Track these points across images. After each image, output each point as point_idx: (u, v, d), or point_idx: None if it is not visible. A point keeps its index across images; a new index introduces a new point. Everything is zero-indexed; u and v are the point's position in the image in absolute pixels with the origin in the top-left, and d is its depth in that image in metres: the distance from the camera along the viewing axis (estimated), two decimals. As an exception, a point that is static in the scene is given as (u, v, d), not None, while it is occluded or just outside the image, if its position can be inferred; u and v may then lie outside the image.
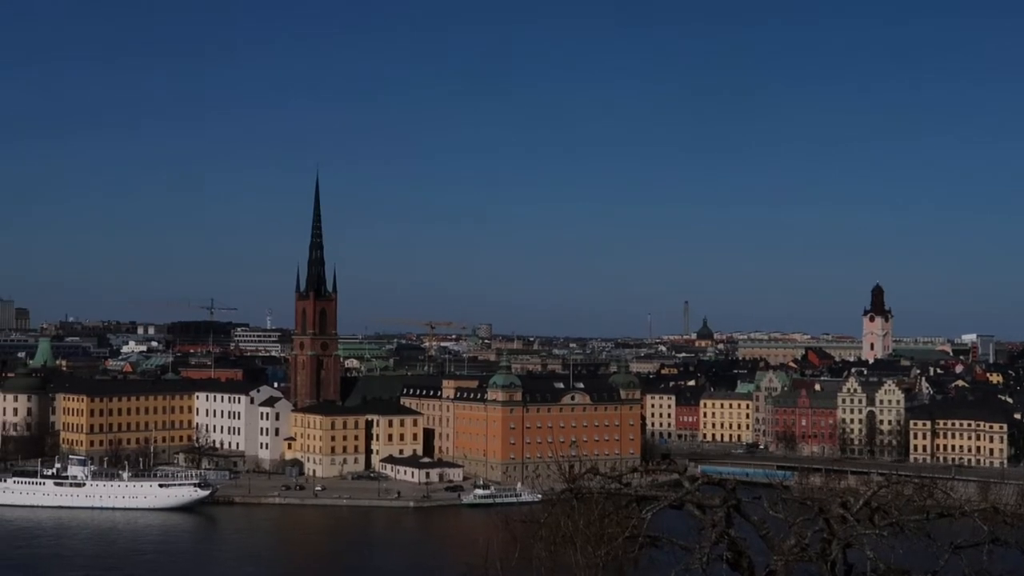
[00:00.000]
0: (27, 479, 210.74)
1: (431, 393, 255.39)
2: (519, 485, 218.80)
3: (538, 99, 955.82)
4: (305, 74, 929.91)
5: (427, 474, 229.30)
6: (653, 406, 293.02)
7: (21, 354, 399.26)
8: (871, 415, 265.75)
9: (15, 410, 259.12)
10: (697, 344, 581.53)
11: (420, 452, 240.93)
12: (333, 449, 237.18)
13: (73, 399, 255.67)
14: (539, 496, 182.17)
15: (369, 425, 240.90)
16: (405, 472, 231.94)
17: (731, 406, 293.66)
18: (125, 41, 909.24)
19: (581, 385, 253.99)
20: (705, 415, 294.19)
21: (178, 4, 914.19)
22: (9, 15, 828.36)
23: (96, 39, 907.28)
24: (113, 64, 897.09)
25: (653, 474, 31.25)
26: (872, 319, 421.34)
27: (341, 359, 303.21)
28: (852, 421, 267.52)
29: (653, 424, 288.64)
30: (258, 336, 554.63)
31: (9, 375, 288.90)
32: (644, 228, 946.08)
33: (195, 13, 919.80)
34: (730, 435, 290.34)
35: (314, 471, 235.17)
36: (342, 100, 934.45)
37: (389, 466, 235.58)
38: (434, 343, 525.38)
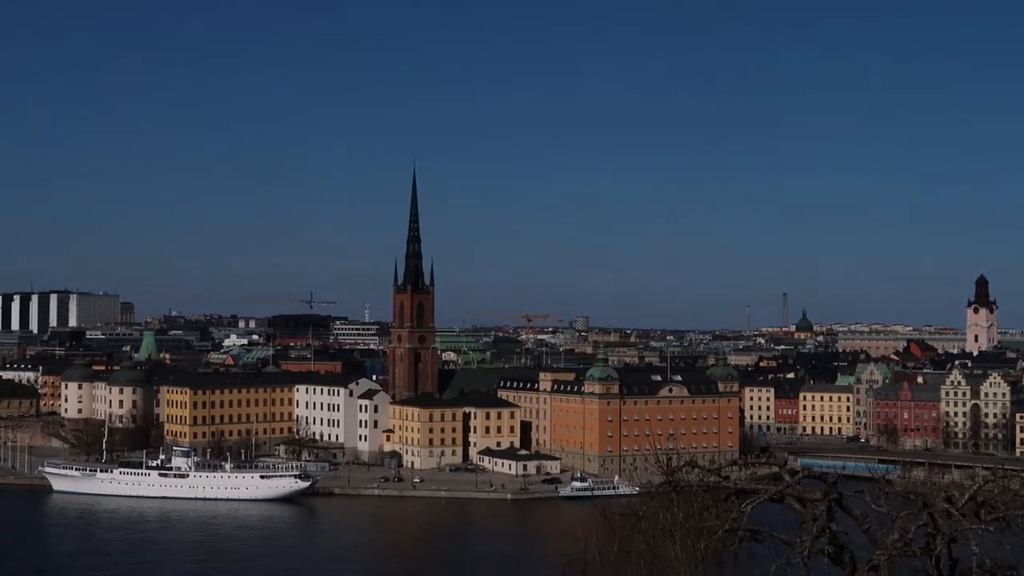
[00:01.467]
0: (133, 470, 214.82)
1: (528, 386, 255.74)
2: (616, 478, 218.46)
3: (620, 93, 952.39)
4: (403, 69, 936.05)
5: (524, 466, 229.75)
6: (752, 399, 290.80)
7: (126, 348, 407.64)
8: (976, 408, 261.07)
9: (121, 402, 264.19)
10: (796, 336, 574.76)
11: (517, 444, 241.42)
12: (431, 441, 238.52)
13: (177, 392, 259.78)
14: (637, 489, 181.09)
15: (467, 417, 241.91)
16: (502, 464, 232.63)
17: (831, 399, 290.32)
18: (234, 40, 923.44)
19: (679, 378, 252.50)
20: (805, 408, 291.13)
21: (281, 5, 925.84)
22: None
23: (220, 37, 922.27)
24: (208, 63, 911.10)
25: (752, 467, 30.93)
26: (976, 310, 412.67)
27: (438, 352, 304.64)
28: (956, 414, 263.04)
29: (752, 417, 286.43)
30: (356, 329, 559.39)
31: (115, 368, 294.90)
32: (742, 219, 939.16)
33: (290, 14, 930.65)
34: (830, 428, 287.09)
35: (412, 463, 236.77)
36: (440, 94, 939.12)
37: (486, 458, 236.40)
38: (531, 336, 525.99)
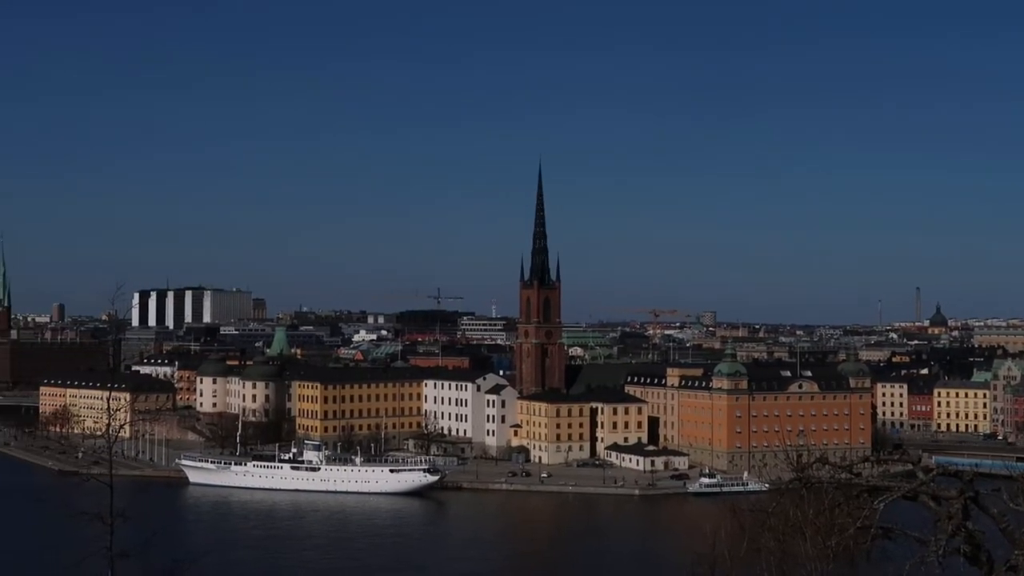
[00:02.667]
0: (265, 463, 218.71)
1: (655, 381, 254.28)
2: (746, 474, 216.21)
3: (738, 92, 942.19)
4: (532, 71, 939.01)
5: (652, 462, 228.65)
6: (884, 395, 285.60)
7: (259, 343, 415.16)
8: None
9: (254, 396, 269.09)
10: (930, 331, 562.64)
11: (645, 440, 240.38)
12: (558, 436, 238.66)
13: (308, 386, 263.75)
14: (766, 486, 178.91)
15: (594, 413, 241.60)
16: (630, 460, 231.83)
17: (967, 395, 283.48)
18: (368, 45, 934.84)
19: (809, 373, 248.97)
20: (939, 405, 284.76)
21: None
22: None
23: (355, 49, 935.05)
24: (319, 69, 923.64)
25: (885, 464, 30.26)
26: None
27: (565, 347, 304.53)
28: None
29: (884, 414, 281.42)
30: (483, 325, 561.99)
31: (248, 363, 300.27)
32: (874, 211, 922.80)
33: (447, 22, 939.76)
34: (966, 425, 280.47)
35: (539, 458, 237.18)
36: (564, 93, 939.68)
37: (614, 454, 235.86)
38: (658, 331, 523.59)
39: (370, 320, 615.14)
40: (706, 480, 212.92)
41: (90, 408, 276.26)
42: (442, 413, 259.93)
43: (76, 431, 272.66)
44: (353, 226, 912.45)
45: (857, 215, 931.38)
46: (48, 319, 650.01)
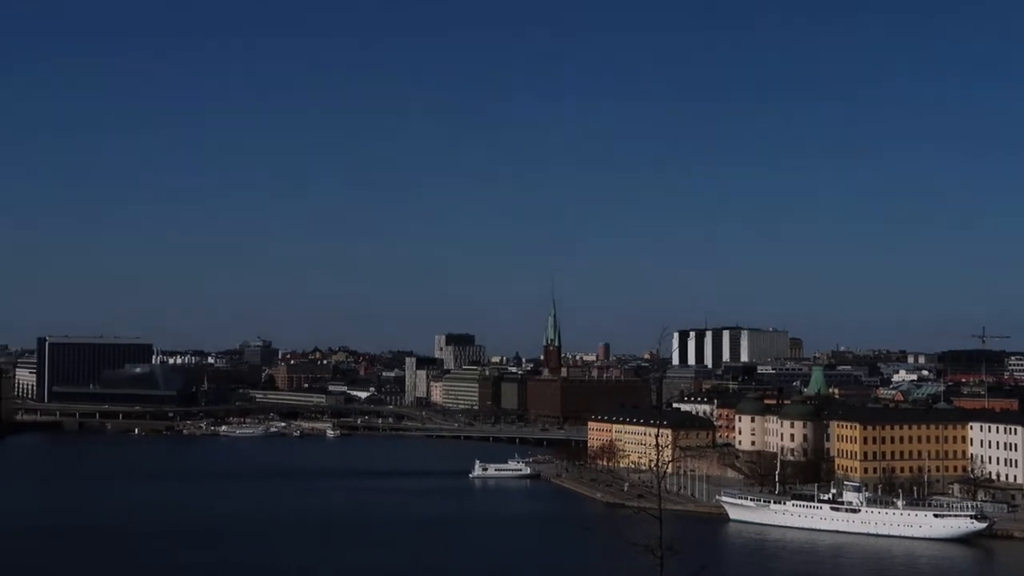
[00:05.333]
0: (804, 503, 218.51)
1: None
2: None
3: None
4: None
5: None
6: None
7: (796, 382, 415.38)
8: None
9: (792, 436, 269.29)
10: None
11: None
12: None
13: (846, 426, 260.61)
14: None
15: None
16: None
17: None
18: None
19: None
20: None
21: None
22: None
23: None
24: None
25: None
26: None
27: None
28: None
29: None
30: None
31: (786, 402, 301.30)
32: None
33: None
34: None
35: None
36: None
37: None
38: None
39: (910, 360, 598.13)
40: None
41: (636, 444, 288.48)
42: (989, 457, 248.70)
43: (621, 465, 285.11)
44: (891, 265, 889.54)
45: None
46: (594, 358, 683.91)
